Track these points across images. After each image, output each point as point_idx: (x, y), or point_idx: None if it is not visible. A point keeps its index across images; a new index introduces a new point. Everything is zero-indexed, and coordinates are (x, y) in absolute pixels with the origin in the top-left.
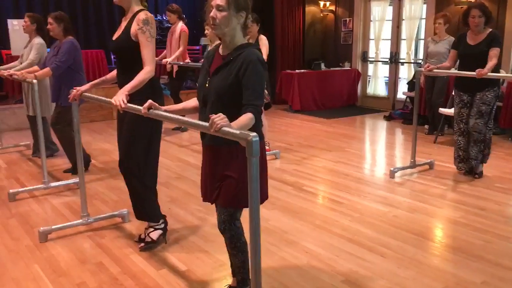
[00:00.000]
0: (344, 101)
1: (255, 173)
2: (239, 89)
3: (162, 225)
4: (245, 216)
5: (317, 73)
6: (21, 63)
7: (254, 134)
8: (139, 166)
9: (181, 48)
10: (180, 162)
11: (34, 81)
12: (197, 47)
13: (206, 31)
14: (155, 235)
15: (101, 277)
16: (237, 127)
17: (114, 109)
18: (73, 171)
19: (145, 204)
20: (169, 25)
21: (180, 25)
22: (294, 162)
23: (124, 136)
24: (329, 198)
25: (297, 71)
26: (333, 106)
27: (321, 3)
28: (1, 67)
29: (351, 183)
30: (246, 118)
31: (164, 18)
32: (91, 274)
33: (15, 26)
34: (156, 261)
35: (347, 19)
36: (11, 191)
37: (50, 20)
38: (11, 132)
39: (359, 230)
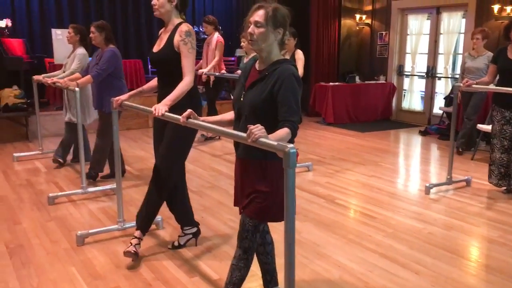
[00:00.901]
0: (378, 115)
1: (292, 185)
2: (272, 104)
3: (194, 230)
4: (275, 226)
5: (351, 86)
6: (64, 72)
7: (292, 145)
8: (173, 171)
9: (216, 58)
10: (213, 171)
11: (76, 88)
12: (232, 58)
13: (242, 43)
14: (183, 240)
15: (135, 282)
16: (274, 139)
17: (152, 117)
18: (89, 177)
19: (178, 208)
20: (205, 36)
21: (216, 36)
22: (326, 175)
23: (162, 150)
24: (362, 212)
25: (331, 83)
26: (367, 120)
27: (357, 16)
28: (45, 75)
29: (384, 198)
30: (283, 132)
31: (201, 29)
32: (125, 279)
33: (59, 36)
34: (188, 268)
35: (383, 32)
36: (50, 195)
37: (92, 29)
38: (51, 137)
39: (393, 246)
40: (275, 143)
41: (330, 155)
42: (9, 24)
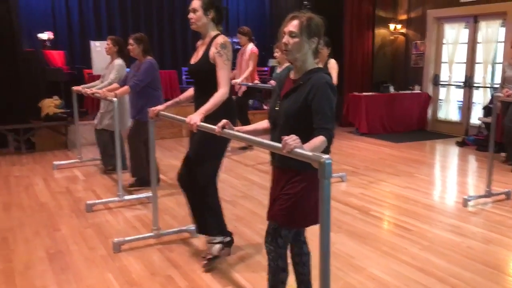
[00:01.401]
0: (413, 125)
1: (327, 196)
2: (307, 113)
3: (223, 239)
4: (308, 237)
5: (385, 96)
6: (102, 82)
7: (327, 156)
8: (204, 181)
9: (250, 68)
10: (245, 181)
11: (114, 99)
12: (266, 68)
13: (275, 53)
14: (215, 250)
15: None
16: (309, 149)
17: (188, 127)
18: (133, 185)
19: (207, 218)
20: (239, 47)
21: (250, 47)
22: (360, 186)
23: (192, 153)
24: (397, 224)
25: (364, 93)
26: (402, 130)
27: (392, 26)
28: (84, 85)
29: (420, 210)
30: (319, 140)
31: (234, 40)
32: (161, 286)
33: (97, 48)
34: (222, 278)
35: (419, 41)
36: (88, 202)
37: (131, 41)
38: (90, 146)
39: (429, 260)
40: (310, 153)
41: (364, 165)
42: (51, 36)
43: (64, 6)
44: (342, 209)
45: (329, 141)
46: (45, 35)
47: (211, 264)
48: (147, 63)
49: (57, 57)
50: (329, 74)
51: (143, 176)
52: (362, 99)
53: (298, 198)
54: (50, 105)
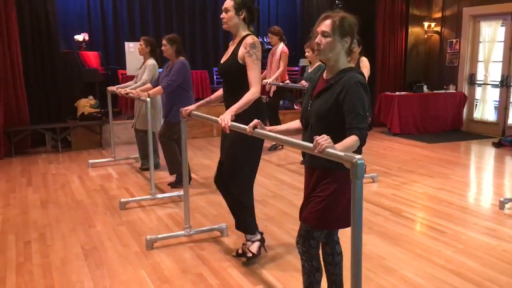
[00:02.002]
0: (447, 126)
1: (359, 196)
2: (338, 113)
3: (259, 236)
4: (340, 238)
5: (419, 96)
6: (135, 83)
7: (359, 156)
8: (238, 182)
9: (281, 68)
10: (276, 180)
11: (148, 99)
12: (296, 68)
13: (306, 53)
14: (254, 248)
15: (201, 287)
16: (341, 149)
17: (220, 128)
18: (174, 184)
19: (242, 218)
20: (269, 46)
21: (281, 47)
22: (392, 187)
23: (226, 154)
24: (430, 226)
25: (397, 93)
26: (436, 131)
27: (426, 24)
28: (118, 86)
29: (454, 212)
30: (351, 140)
31: (265, 40)
32: (192, 284)
33: (131, 48)
34: (252, 276)
35: (454, 40)
36: (122, 200)
37: (164, 42)
38: (123, 145)
39: (464, 263)
40: (342, 153)
41: (396, 166)
42: (86, 38)
43: (99, 8)
44: (374, 210)
45: (362, 141)
46: (80, 37)
47: (250, 262)
48: (179, 63)
49: (92, 58)
50: (361, 74)
51: (181, 173)
52: (395, 98)
53: (330, 201)
54: (86, 105)
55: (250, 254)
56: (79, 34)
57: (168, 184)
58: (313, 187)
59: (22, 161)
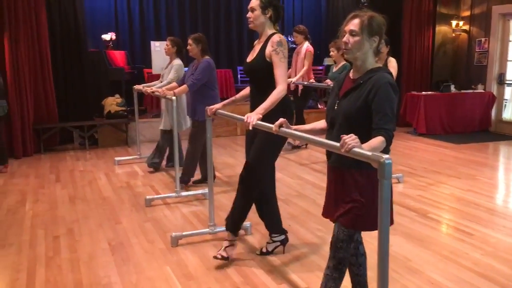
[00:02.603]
0: (475, 126)
1: (387, 196)
2: (367, 113)
3: (281, 238)
4: (364, 239)
5: (446, 96)
6: (161, 82)
7: (387, 156)
8: (264, 181)
9: (305, 67)
10: (299, 180)
11: (173, 97)
12: (321, 67)
13: (331, 52)
14: (271, 247)
15: (225, 285)
16: (368, 148)
17: (245, 126)
18: (182, 181)
19: (266, 216)
20: (294, 45)
21: (306, 45)
22: (418, 188)
23: (254, 153)
24: (457, 228)
25: (423, 93)
26: (463, 131)
27: (453, 23)
28: (144, 84)
29: (482, 214)
30: (378, 140)
31: (290, 39)
32: (216, 281)
33: (157, 48)
34: (276, 275)
35: (483, 39)
36: (147, 197)
37: (189, 41)
38: (148, 143)
39: (493, 266)
40: (370, 153)
41: (422, 167)
42: (113, 37)
43: (126, 8)
44: (399, 211)
45: (388, 141)
46: (108, 36)
47: (262, 255)
48: (205, 62)
49: (118, 57)
50: (390, 74)
51: (188, 175)
52: (421, 98)
53: (368, 202)
54: (112, 103)
55: (265, 250)
56: (107, 33)
57: (195, 182)
58: (340, 188)
59: (51, 158)
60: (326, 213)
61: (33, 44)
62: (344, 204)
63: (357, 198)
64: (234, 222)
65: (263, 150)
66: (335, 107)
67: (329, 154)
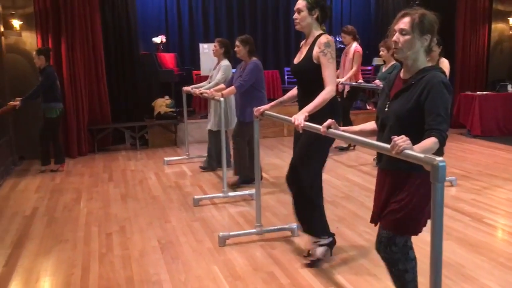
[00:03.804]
0: None
1: (440, 200)
2: (419, 114)
3: (327, 241)
4: (414, 243)
5: (502, 96)
6: (209, 83)
7: (441, 158)
8: (309, 182)
9: (354, 68)
10: (347, 181)
11: (221, 98)
12: (369, 68)
13: (381, 52)
14: (318, 252)
15: (272, 286)
16: (420, 150)
17: (294, 127)
18: (235, 185)
19: (312, 218)
20: (342, 46)
21: (354, 46)
22: (472, 191)
23: (299, 153)
24: None
25: (478, 93)
26: None
27: (511, 20)
28: (193, 86)
29: None
30: (430, 142)
31: (338, 39)
32: (263, 282)
33: (205, 50)
34: (324, 278)
35: None
36: (195, 197)
37: (237, 43)
38: (196, 144)
39: None
40: (422, 155)
41: (477, 170)
42: (163, 40)
43: (176, 11)
44: (452, 215)
45: (442, 143)
46: (158, 39)
47: (314, 265)
48: (252, 64)
49: (168, 59)
50: (443, 73)
51: (245, 175)
52: (476, 98)
53: (412, 204)
54: (162, 104)
55: (314, 258)
56: (157, 36)
57: (232, 184)
58: (391, 191)
59: (104, 158)
60: (372, 218)
61: (88, 50)
62: (387, 205)
63: (398, 199)
64: (323, 229)
65: (308, 150)
66: (386, 109)
67: (380, 157)
